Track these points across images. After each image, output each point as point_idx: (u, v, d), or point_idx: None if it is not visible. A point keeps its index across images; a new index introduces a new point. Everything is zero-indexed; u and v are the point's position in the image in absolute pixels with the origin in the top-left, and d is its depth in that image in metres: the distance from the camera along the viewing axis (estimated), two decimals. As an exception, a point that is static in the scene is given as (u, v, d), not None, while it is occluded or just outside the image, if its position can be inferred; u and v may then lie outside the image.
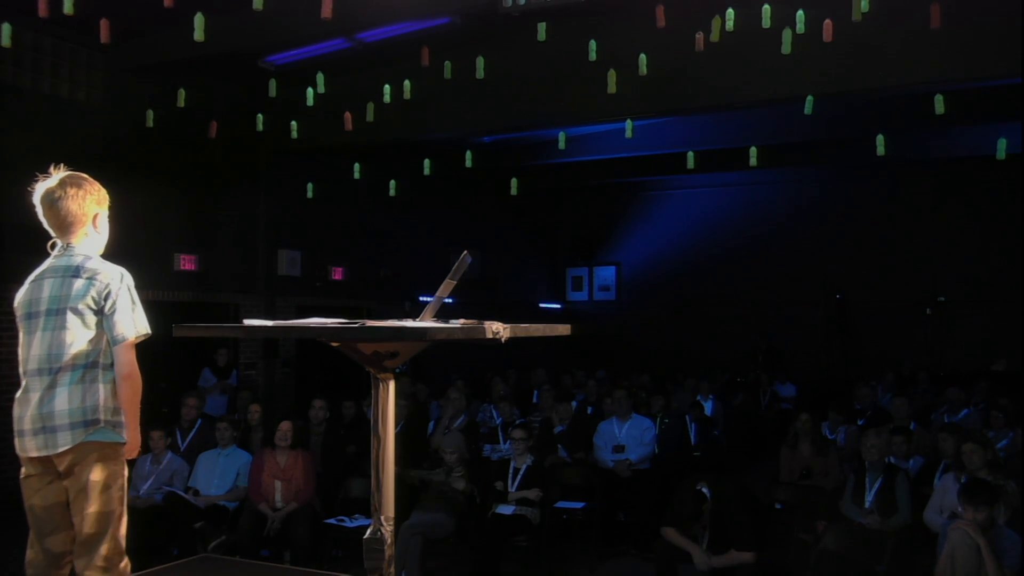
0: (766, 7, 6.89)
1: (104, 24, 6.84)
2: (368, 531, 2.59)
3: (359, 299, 12.90)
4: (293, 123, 9.36)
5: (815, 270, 16.27)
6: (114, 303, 3.20)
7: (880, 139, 8.43)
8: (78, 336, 3.17)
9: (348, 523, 6.59)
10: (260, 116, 9.13)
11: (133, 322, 3.22)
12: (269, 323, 2.75)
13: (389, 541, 2.57)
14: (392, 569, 2.59)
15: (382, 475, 2.57)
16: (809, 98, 7.96)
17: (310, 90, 8.44)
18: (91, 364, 3.19)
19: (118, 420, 3.22)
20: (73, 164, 3.38)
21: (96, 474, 3.13)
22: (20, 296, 3.29)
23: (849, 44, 7.70)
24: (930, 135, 12.73)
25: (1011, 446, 7.35)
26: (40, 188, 3.32)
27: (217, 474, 7.04)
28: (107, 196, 3.39)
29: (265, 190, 11.66)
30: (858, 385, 10.93)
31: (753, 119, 11.70)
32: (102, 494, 3.13)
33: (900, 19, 7.75)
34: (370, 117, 9.00)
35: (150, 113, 8.78)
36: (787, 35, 7.15)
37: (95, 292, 3.19)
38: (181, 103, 8.48)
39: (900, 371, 13.36)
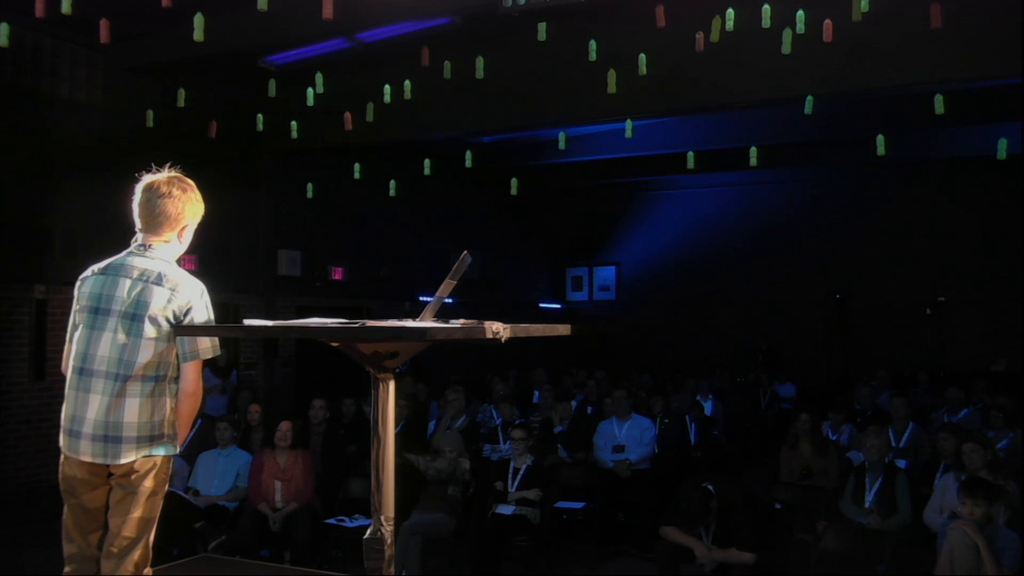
0: (766, 7, 6.89)
1: (104, 24, 6.84)
2: (368, 531, 2.59)
3: (359, 299, 12.89)
4: (293, 123, 9.36)
5: (815, 270, 16.27)
6: (192, 319, 3.13)
7: (880, 139, 8.43)
8: (153, 347, 3.09)
9: (348, 523, 6.60)
10: (260, 116, 9.13)
11: (210, 340, 3.16)
12: (269, 323, 2.75)
13: (389, 541, 2.57)
14: (392, 569, 2.59)
15: (382, 475, 2.57)
16: (809, 98, 7.96)
17: (310, 90, 8.44)
18: (161, 377, 3.13)
19: (175, 433, 3.20)
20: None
21: (148, 482, 3.11)
22: (88, 286, 3.19)
23: (849, 44, 7.70)
24: (930, 135, 12.73)
25: (1011, 446, 7.35)
26: (146, 179, 3.23)
27: (217, 474, 7.05)
28: (203, 211, 3.31)
29: (265, 190, 11.65)
30: (858, 385, 10.94)
31: (753, 119, 11.70)
32: (148, 500, 3.12)
33: (900, 19, 7.74)
34: (370, 117, 9.00)
35: (150, 113, 8.78)
36: (787, 35, 7.15)
37: (176, 306, 3.11)
38: (181, 103, 8.48)
39: (900, 371, 13.37)
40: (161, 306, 3.10)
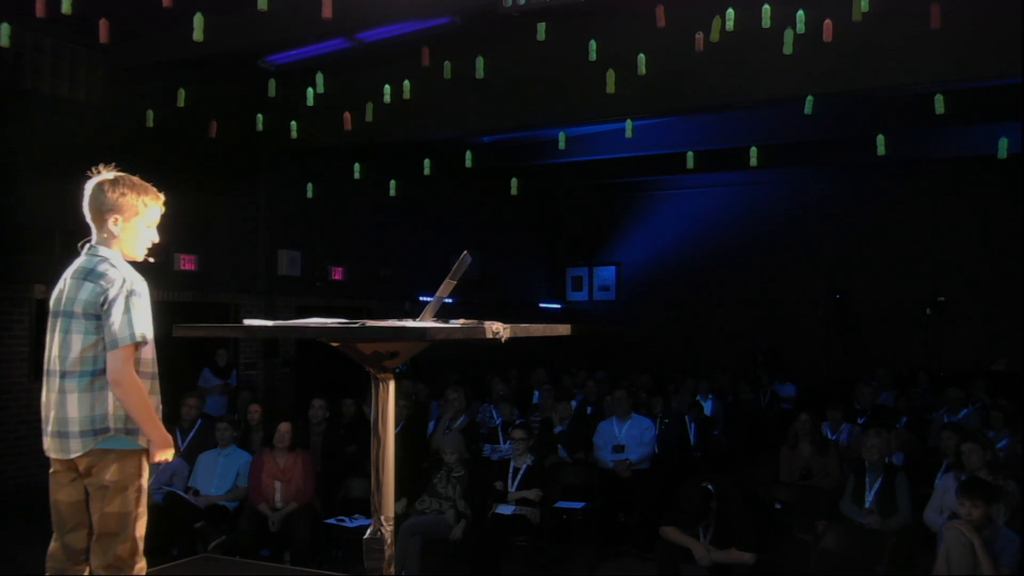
0: (766, 7, 6.88)
1: (104, 24, 6.84)
2: (368, 531, 2.59)
3: (359, 299, 12.90)
4: (293, 123, 9.36)
5: (815, 270, 16.27)
6: (109, 308, 3.16)
7: (880, 139, 8.43)
8: (83, 341, 3.17)
9: (348, 523, 6.59)
10: (260, 116, 9.13)
11: (128, 328, 3.14)
12: (269, 323, 2.75)
13: (389, 541, 2.57)
14: (392, 569, 2.59)
15: (382, 475, 2.57)
16: (809, 98, 7.96)
17: (310, 90, 8.44)
18: (99, 371, 3.17)
19: (132, 427, 3.20)
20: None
21: (113, 475, 3.15)
22: (53, 292, 3.34)
23: (849, 44, 7.70)
24: (930, 135, 12.73)
25: (1011, 446, 7.34)
26: None
27: (217, 474, 7.04)
28: (145, 204, 3.32)
29: (265, 190, 11.66)
30: (858, 385, 10.93)
31: (753, 119, 11.70)
32: (118, 495, 3.15)
33: (900, 19, 7.74)
34: (370, 117, 9.00)
35: (150, 113, 8.78)
36: (788, 35, 7.15)
37: (96, 296, 3.18)
38: (181, 103, 8.48)
39: (900, 371, 13.36)
40: (85, 300, 3.18)
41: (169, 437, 3.29)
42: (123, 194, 3.29)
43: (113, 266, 3.24)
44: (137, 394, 3.17)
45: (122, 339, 3.14)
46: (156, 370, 3.35)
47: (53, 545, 3.27)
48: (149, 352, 3.29)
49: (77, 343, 3.17)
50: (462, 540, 6.40)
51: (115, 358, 3.14)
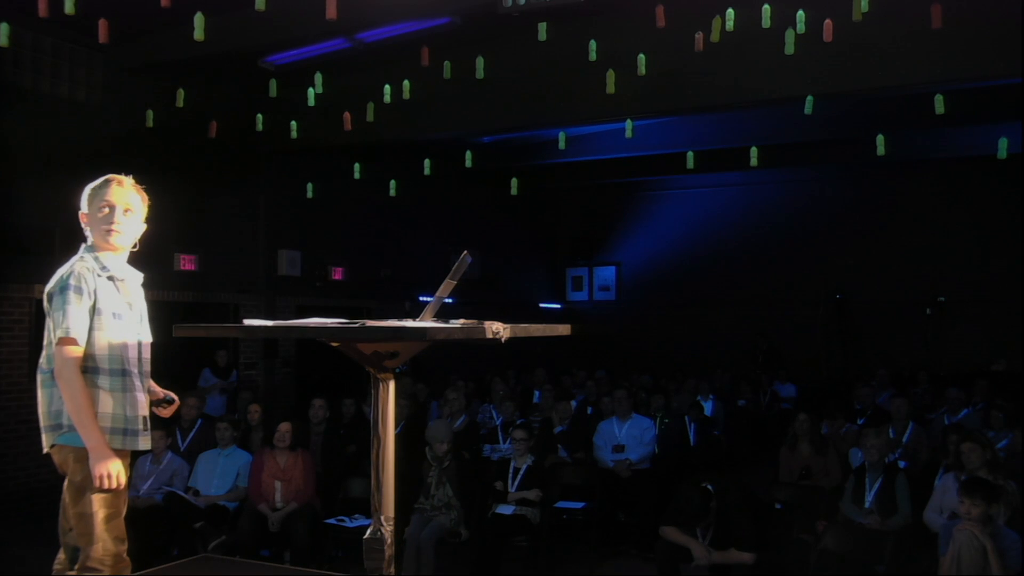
0: (766, 7, 6.88)
1: (104, 24, 6.84)
2: (368, 531, 2.59)
3: (359, 299, 12.90)
4: (293, 123, 9.36)
5: (815, 270, 16.26)
6: (49, 303, 3.18)
7: (880, 139, 8.43)
8: (45, 338, 3.21)
9: (348, 523, 6.60)
10: (260, 116, 9.13)
11: (59, 323, 3.09)
12: (269, 323, 2.75)
13: (389, 541, 2.58)
14: (392, 569, 2.59)
15: (382, 475, 2.58)
16: (809, 98, 7.96)
17: (310, 90, 8.44)
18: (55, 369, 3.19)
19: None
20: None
21: (74, 474, 3.14)
22: None
23: (849, 44, 7.70)
24: (930, 135, 12.72)
25: (1011, 446, 7.35)
26: None
27: (217, 474, 7.05)
28: (94, 194, 3.28)
29: (265, 190, 11.65)
30: (858, 385, 10.93)
31: (753, 119, 11.69)
32: (80, 496, 3.12)
33: (900, 19, 7.74)
34: (370, 117, 9.00)
35: (150, 113, 8.78)
36: (790, 35, 7.15)
37: (47, 295, 3.21)
38: (181, 103, 8.48)
39: (900, 371, 13.37)
40: (45, 298, 3.22)
41: (105, 446, 3.10)
42: (85, 193, 3.34)
43: (68, 263, 3.24)
44: (73, 393, 3.08)
45: (56, 335, 3.13)
46: (126, 367, 3.24)
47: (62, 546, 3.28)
48: (105, 349, 3.18)
49: (46, 341, 3.22)
50: (464, 539, 6.41)
51: (56, 354, 3.13)
